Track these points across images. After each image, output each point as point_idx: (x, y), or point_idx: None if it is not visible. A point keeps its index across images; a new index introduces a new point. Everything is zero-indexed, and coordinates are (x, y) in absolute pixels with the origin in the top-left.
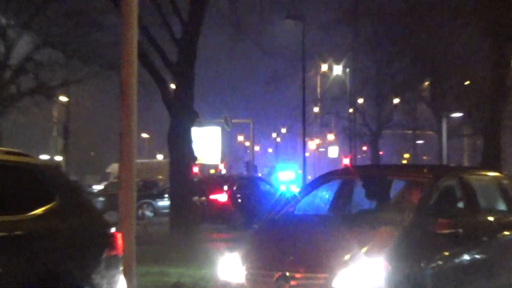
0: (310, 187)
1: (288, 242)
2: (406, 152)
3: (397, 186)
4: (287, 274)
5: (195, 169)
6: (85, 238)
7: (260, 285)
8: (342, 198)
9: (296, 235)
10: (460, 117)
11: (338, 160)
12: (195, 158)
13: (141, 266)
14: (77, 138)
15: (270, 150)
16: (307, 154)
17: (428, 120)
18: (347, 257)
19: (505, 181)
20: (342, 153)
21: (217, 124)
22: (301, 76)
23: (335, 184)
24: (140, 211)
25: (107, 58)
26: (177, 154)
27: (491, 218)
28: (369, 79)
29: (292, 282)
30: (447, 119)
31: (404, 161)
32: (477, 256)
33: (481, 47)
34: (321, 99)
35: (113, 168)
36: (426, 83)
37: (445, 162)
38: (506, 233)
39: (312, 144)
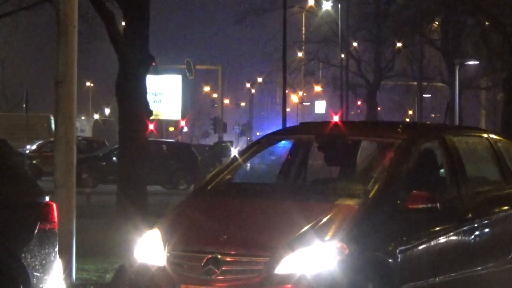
0: (254, 149)
1: (222, 218)
2: (410, 108)
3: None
4: (219, 256)
5: (150, 126)
6: (11, 208)
7: (185, 270)
8: (294, 164)
9: (232, 209)
10: (477, 65)
11: (326, 116)
12: (150, 113)
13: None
14: (4, 86)
15: (243, 103)
16: (288, 110)
17: (437, 68)
18: (294, 237)
19: (500, 144)
20: (331, 108)
21: (178, 71)
22: (281, 12)
23: (286, 146)
24: (82, 176)
25: None
26: (128, 107)
27: (480, 191)
28: (366, 16)
29: (225, 267)
30: (461, 68)
31: (407, 119)
32: (459, 238)
33: None
34: (306, 42)
35: None
36: (436, 22)
37: (456, 120)
38: (498, 209)
39: (294, 97)
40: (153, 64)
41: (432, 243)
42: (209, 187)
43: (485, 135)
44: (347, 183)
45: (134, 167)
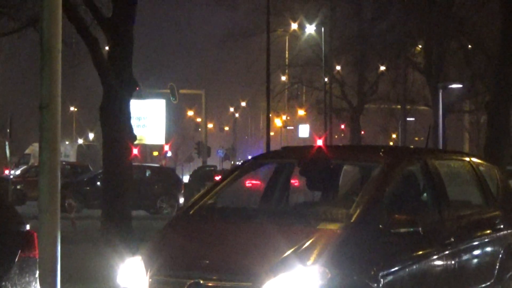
0: (236, 173)
1: (204, 242)
2: (394, 132)
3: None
4: (201, 282)
5: (134, 151)
6: None
7: None
8: (277, 188)
9: (215, 233)
10: (460, 88)
11: (310, 140)
12: (134, 137)
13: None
14: None
15: (226, 128)
16: (272, 134)
17: (421, 92)
18: (276, 262)
19: (482, 168)
20: (314, 132)
21: (162, 95)
22: (265, 35)
23: (269, 170)
24: (66, 202)
25: (26, 12)
26: (112, 132)
27: (462, 214)
28: (350, 40)
29: None
30: (445, 91)
31: (391, 143)
32: (442, 262)
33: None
34: (289, 65)
35: (33, 149)
36: (419, 46)
37: (440, 143)
38: (481, 233)
39: (278, 121)
40: (137, 88)
41: (415, 267)
42: (191, 212)
43: (467, 159)
44: (329, 207)
45: (118, 191)
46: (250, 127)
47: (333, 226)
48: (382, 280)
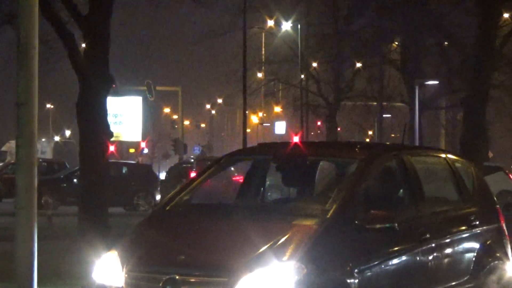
0: (212, 169)
1: (180, 238)
2: (370, 129)
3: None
4: (177, 277)
5: (111, 148)
6: None
7: None
8: (254, 184)
9: (191, 229)
10: (436, 85)
11: (286, 137)
12: (110, 134)
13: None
14: None
15: (203, 125)
16: (248, 130)
17: (397, 89)
18: (252, 257)
19: (458, 164)
20: (291, 129)
21: (138, 92)
22: (241, 33)
23: (246, 166)
24: (43, 199)
25: (2, 9)
26: (88, 129)
27: (438, 210)
28: (326, 37)
29: None
30: (421, 88)
31: (367, 139)
32: (418, 258)
33: None
34: (266, 62)
35: (10, 146)
36: (396, 43)
37: (416, 140)
38: (456, 229)
39: (254, 118)
40: (114, 85)
41: (391, 263)
42: (167, 208)
43: (443, 155)
44: (305, 203)
45: (95, 188)
46: (226, 124)
47: (309, 222)
48: (358, 275)
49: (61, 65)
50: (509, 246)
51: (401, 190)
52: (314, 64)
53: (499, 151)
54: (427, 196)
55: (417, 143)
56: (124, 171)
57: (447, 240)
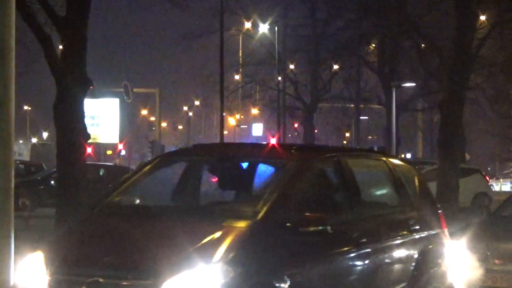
0: (146, 170)
1: (106, 240)
2: (348, 130)
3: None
4: (101, 280)
5: (88, 150)
6: None
7: None
8: (187, 186)
9: (118, 231)
10: (413, 87)
11: (263, 139)
12: (88, 136)
13: None
14: None
15: (180, 126)
16: (225, 132)
17: (374, 90)
18: (178, 259)
19: (398, 168)
20: (268, 131)
21: (115, 94)
22: (218, 35)
23: (181, 167)
24: (20, 201)
25: None
26: (65, 131)
27: (376, 214)
28: (303, 39)
29: None
30: (398, 90)
31: (344, 141)
32: (353, 262)
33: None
34: (243, 64)
35: None
36: (373, 45)
37: (393, 142)
38: (395, 233)
39: (232, 120)
40: (91, 87)
41: (324, 267)
42: (97, 209)
43: (383, 159)
44: (238, 205)
45: (72, 190)
46: (204, 126)
47: (238, 224)
48: (288, 279)
49: (38, 67)
50: (451, 253)
51: (338, 193)
52: (292, 66)
53: (476, 153)
54: (366, 199)
55: (393, 146)
56: (101, 173)
57: (385, 245)
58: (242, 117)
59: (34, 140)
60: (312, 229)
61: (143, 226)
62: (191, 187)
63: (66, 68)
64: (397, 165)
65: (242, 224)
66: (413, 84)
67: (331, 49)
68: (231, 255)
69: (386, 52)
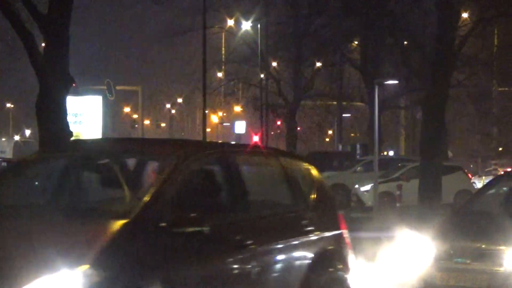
0: (18, 168)
1: None
2: (330, 128)
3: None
4: None
5: None
6: None
7: None
8: (65, 183)
9: None
10: (396, 85)
11: (246, 136)
12: (70, 134)
13: None
14: None
15: (163, 124)
16: (208, 130)
17: (357, 88)
18: (39, 263)
19: (295, 167)
20: (251, 128)
21: (98, 92)
22: (201, 32)
23: (61, 164)
24: None
25: None
26: (48, 128)
27: (265, 215)
28: (286, 36)
29: None
30: (381, 88)
31: (327, 139)
32: (236, 266)
33: None
34: (226, 62)
35: None
36: (356, 42)
37: (376, 139)
38: (286, 235)
39: (214, 117)
40: (73, 85)
41: (203, 272)
42: None
43: (277, 156)
44: (110, 204)
45: None
46: (186, 123)
47: (108, 224)
48: (160, 284)
49: (21, 65)
50: (351, 256)
51: (221, 192)
52: (274, 64)
53: (458, 150)
54: (255, 199)
55: (376, 143)
56: None
57: (274, 247)
58: (225, 114)
59: (16, 137)
60: (188, 230)
61: (5, 227)
62: (68, 186)
63: (49, 66)
64: (292, 163)
65: (112, 224)
66: (396, 82)
67: (313, 47)
68: (98, 258)
69: (368, 50)
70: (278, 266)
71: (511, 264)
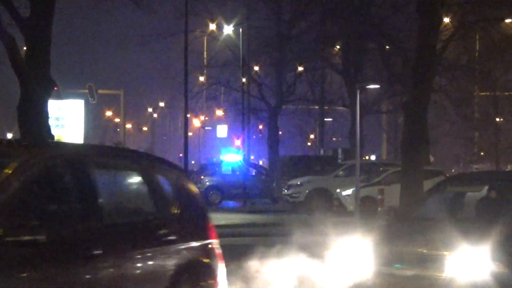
0: None
1: None
2: (312, 132)
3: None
4: None
5: None
6: None
7: None
8: None
9: None
10: (377, 89)
11: (228, 141)
12: (52, 137)
13: None
14: None
15: (145, 128)
16: (190, 134)
17: (339, 92)
18: None
19: (160, 173)
20: (233, 132)
21: (80, 96)
22: (183, 36)
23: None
24: None
25: None
26: (30, 132)
27: (119, 223)
28: (268, 41)
29: None
30: (362, 92)
31: (309, 143)
32: (83, 278)
33: (405, 1)
34: (208, 66)
35: None
36: (338, 47)
37: (358, 143)
38: (144, 245)
39: (196, 121)
40: (55, 88)
41: (40, 283)
42: None
43: (139, 161)
44: None
45: None
46: (168, 127)
47: None
48: None
49: (2, 68)
50: (220, 268)
51: (66, 198)
52: (256, 68)
53: (440, 155)
54: (109, 206)
55: (358, 147)
56: None
57: (128, 257)
58: (207, 118)
59: None
60: (24, 238)
61: None
62: None
63: (30, 69)
64: (159, 170)
65: None
66: (378, 86)
67: (295, 51)
68: None
69: (350, 54)
70: (133, 277)
71: (453, 270)
